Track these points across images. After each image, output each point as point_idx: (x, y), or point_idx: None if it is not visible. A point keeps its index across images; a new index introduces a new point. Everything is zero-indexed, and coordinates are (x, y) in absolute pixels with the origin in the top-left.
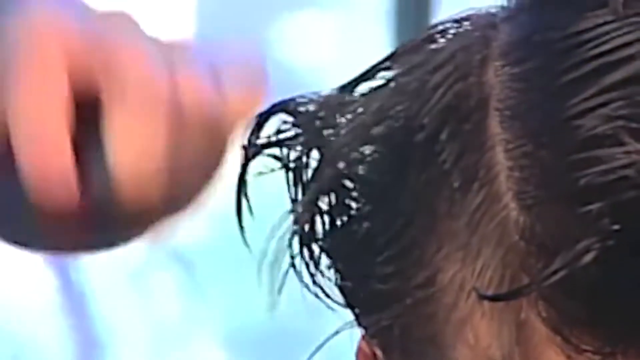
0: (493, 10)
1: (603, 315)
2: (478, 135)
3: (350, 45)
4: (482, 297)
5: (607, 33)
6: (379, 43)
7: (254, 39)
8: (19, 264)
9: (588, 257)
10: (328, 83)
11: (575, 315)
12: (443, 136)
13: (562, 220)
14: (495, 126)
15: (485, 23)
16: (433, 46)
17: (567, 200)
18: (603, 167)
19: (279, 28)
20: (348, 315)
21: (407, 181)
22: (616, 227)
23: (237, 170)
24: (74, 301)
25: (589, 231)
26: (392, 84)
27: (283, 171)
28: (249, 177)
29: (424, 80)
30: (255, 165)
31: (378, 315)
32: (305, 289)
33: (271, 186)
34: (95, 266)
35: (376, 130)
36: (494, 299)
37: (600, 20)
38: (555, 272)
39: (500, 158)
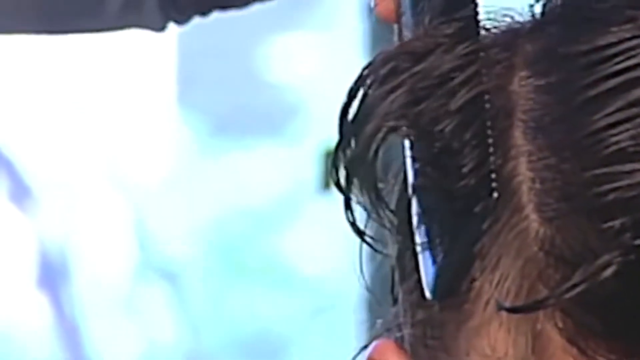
0: (520, 19)
1: (620, 328)
2: (501, 144)
3: (329, 63)
4: (501, 308)
5: (633, 48)
6: (357, 63)
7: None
8: (11, 291)
9: (608, 272)
10: (310, 100)
11: (592, 327)
12: (467, 139)
13: (583, 234)
14: (519, 137)
15: (512, 30)
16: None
17: (589, 214)
18: (626, 182)
19: (264, 49)
20: (337, 319)
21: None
22: (637, 242)
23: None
24: (66, 326)
25: (610, 246)
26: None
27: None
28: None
29: (445, 79)
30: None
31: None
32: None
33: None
34: (86, 290)
35: (405, 118)
36: (512, 310)
37: (627, 35)
38: (575, 286)
39: (523, 169)
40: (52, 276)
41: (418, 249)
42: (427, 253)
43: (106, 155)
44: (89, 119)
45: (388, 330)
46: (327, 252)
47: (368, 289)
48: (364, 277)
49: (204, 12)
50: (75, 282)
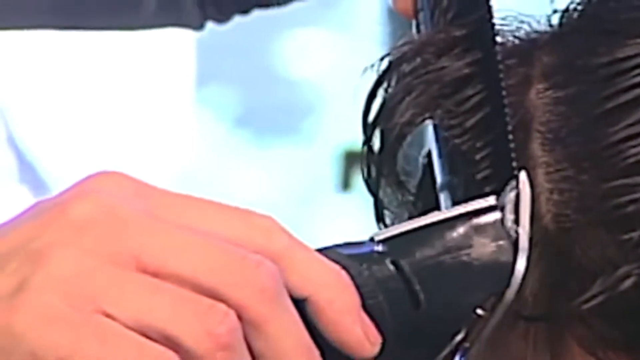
0: (537, 28)
1: (639, 339)
2: (519, 155)
3: (346, 62)
4: (520, 316)
5: None
6: (373, 60)
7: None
8: None
9: (627, 283)
10: (325, 98)
11: (611, 337)
12: (483, 152)
13: (601, 245)
14: (536, 148)
15: (529, 40)
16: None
17: (607, 226)
18: None
19: (283, 47)
20: None
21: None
22: None
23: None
24: None
25: (629, 257)
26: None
27: None
28: None
29: (460, 87)
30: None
31: None
32: None
33: None
34: None
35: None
36: (531, 319)
37: None
38: (594, 297)
39: (541, 180)
40: None
41: None
42: None
43: (122, 153)
44: (104, 116)
45: None
46: None
47: None
48: None
49: (245, 11)
50: None
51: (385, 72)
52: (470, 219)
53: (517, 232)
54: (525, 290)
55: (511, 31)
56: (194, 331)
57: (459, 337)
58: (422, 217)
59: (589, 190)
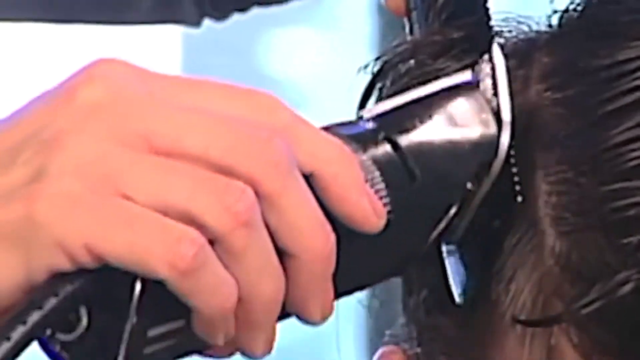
0: (536, 29)
1: (637, 345)
2: (517, 157)
3: (334, 62)
4: (516, 321)
5: None
6: (362, 61)
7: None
8: None
9: (626, 289)
10: (312, 97)
11: (608, 343)
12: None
13: (599, 249)
14: (535, 150)
15: (528, 41)
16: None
17: (606, 230)
18: None
19: (266, 44)
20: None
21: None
22: None
23: None
24: None
25: (628, 262)
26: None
27: None
28: None
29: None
30: None
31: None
32: None
33: None
34: None
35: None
36: (527, 324)
37: None
38: (592, 302)
39: (540, 182)
40: None
41: (444, 255)
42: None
43: None
44: None
45: (395, 338)
46: None
47: (374, 296)
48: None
49: (243, 9)
50: None
51: (379, 72)
52: (453, 94)
53: (498, 105)
54: (522, 294)
55: (510, 32)
56: (214, 209)
57: (452, 211)
58: (406, 93)
59: (587, 193)
